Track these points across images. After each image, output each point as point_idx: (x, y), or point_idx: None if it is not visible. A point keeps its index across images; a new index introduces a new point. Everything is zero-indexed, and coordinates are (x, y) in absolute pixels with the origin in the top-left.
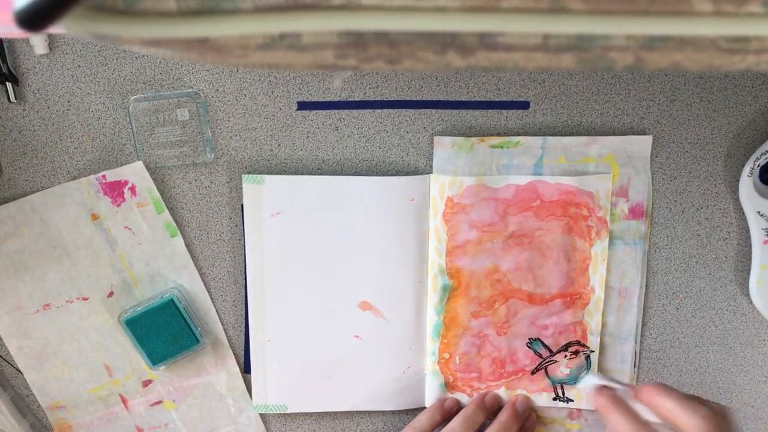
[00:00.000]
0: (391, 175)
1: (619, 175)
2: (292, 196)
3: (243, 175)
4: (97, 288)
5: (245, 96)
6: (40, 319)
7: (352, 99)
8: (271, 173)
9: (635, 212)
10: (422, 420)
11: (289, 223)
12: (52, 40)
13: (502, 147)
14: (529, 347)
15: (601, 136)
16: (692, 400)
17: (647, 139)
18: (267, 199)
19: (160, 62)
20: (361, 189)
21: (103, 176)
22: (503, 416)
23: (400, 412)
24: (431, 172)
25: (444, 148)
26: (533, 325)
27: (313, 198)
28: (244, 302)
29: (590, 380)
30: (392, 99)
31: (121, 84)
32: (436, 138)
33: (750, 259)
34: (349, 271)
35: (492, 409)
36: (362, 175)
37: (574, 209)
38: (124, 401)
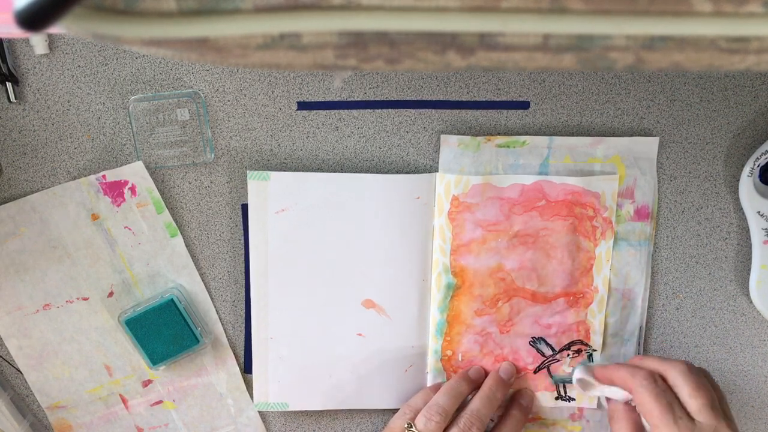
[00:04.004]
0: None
1: (625, 176)
2: (297, 193)
3: (248, 172)
4: (97, 288)
5: (245, 96)
6: (40, 319)
7: (352, 99)
8: None
9: (641, 214)
10: (417, 399)
11: (294, 219)
12: (52, 40)
13: (508, 146)
14: (532, 346)
15: (607, 137)
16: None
17: (654, 141)
18: (272, 195)
19: (160, 62)
20: (366, 186)
21: (103, 176)
22: (487, 384)
23: None
24: (432, 171)
25: (450, 146)
26: (536, 323)
27: (318, 195)
28: (244, 302)
29: (576, 374)
30: (392, 99)
31: (121, 84)
32: (443, 136)
33: (750, 259)
34: (353, 268)
35: (477, 381)
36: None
37: (579, 209)
38: (124, 401)
